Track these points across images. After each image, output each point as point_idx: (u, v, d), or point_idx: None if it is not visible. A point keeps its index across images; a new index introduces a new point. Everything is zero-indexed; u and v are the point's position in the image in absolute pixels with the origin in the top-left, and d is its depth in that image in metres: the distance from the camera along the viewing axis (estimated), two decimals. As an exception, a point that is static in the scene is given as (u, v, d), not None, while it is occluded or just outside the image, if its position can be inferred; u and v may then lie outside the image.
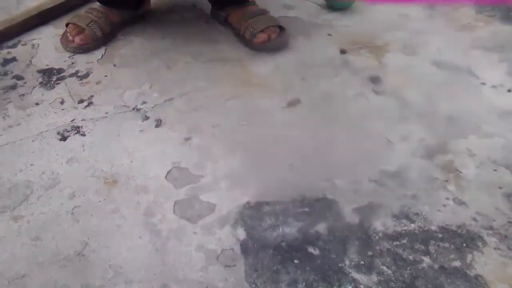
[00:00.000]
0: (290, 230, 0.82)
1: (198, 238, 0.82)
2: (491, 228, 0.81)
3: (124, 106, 1.07)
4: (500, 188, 0.88)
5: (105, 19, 1.27)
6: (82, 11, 1.30)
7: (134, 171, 0.92)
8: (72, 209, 0.86)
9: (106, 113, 1.06)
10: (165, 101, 1.08)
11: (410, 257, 0.78)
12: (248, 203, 0.87)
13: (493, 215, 0.83)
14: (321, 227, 0.83)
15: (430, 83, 1.12)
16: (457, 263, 0.76)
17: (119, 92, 1.11)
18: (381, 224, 0.83)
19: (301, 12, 1.42)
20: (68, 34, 1.25)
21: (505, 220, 0.82)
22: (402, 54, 1.25)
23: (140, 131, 1.01)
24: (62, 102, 1.09)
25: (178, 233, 0.82)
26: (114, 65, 1.20)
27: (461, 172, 0.92)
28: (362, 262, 0.78)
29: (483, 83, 1.14)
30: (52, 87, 1.13)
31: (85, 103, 1.08)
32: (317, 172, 0.93)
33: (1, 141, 0.99)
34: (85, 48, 1.24)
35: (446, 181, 0.90)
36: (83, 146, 0.98)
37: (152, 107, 1.07)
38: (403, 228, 0.82)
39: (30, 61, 1.22)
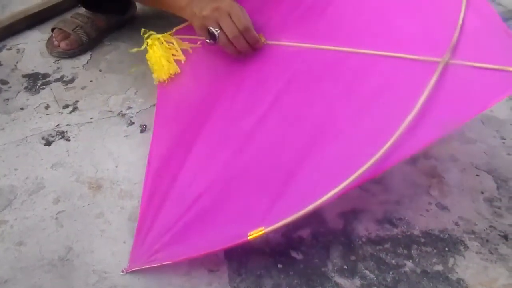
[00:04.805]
0: (274, 234, 0.82)
1: (183, 243, 0.81)
2: (473, 232, 0.82)
3: (109, 111, 1.07)
4: (482, 193, 0.89)
5: (91, 24, 1.27)
6: (68, 16, 1.30)
7: (119, 176, 0.92)
8: (56, 214, 0.85)
9: (91, 118, 1.05)
10: (150, 106, 1.08)
11: (393, 261, 0.78)
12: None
13: (475, 219, 0.85)
14: (304, 232, 0.83)
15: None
16: (439, 267, 0.77)
17: (105, 97, 1.11)
18: (364, 229, 0.84)
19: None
20: (54, 39, 1.24)
21: (487, 225, 0.84)
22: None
23: (125, 136, 1.01)
24: (47, 107, 1.09)
25: (162, 238, 0.82)
26: (100, 70, 1.20)
27: (444, 177, 0.93)
28: (345, 267, 0.78)
29: (466, 90, 1.15)
30: (37, 92, 1.13)
31: (70, 108, 1.08)
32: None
33: (-15, 146, 0.99)
34: (70, 53, 1.24)
35: (429, 186, 0.91)
36: (67, 151, 0.98)
37: (137, 113, 1.07)
38: (386, 233, 0.83)
39: (15, 65, 1.21)
